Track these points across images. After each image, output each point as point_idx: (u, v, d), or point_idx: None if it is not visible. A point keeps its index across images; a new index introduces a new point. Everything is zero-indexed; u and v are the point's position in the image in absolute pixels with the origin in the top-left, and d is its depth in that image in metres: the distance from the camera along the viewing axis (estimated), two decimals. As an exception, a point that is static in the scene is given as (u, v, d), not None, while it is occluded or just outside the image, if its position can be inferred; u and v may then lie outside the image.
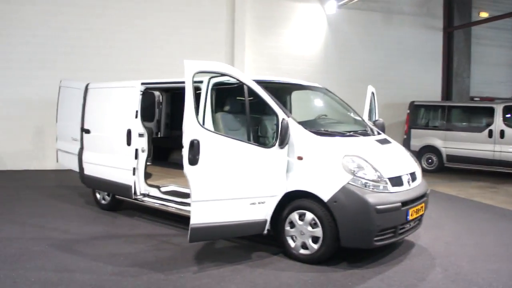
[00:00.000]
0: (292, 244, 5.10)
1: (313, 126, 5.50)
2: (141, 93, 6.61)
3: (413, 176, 5.46)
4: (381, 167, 5.00)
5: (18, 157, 11.52)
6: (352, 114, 6.53)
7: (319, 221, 4.85)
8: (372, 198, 4.69)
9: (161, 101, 9.08)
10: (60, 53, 11.53)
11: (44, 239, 5.82)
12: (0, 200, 8.13)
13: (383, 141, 5.76)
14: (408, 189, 5.19)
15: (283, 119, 4.89)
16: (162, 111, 9.14)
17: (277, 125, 4.95)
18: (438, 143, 12.51)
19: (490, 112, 11.68)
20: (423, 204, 5.40)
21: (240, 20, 12.67)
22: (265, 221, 5.04)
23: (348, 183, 4.75)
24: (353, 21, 14.03)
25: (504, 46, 16.65)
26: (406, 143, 13.09)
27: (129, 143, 6.51)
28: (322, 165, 4.91)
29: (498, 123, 11.47)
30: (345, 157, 4.87)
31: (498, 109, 11.55)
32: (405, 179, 5.22)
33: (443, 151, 12.42)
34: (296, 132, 5.06)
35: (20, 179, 10.37)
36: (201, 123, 5.24)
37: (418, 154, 12.86)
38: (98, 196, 7.50)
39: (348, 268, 4.89)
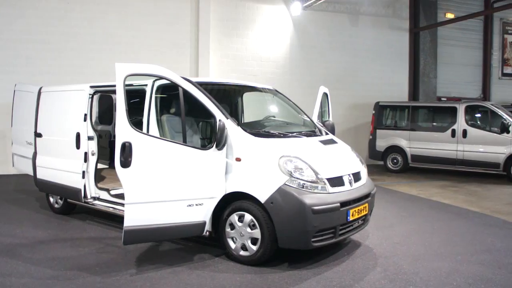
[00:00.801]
0: (232, 245, 5.10)
1: (255, 127, 5.53)
2: (90, 96, 6.57)
3: (356, 176, 5.47)
4: (320, 167, 5.02)
5: (-21, 162, 11.38)
6: (300, 115, 6.57)
7: (257, 222, 4.85)
8: (308, 198, 4.71)
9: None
10: (21, 56, 11.40)
11: (-14, 244, 5.77)
12: None
13: (328, 142, 5.78)
14: (350, 190, 5.21)
15: (219, 120, 4.89)
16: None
17: (214, 126, 4.96)
18: (403, 143, 12.65)
19: (453, 112, 11.86)
20: (366, 205, 5.42)
21: (204, 22, 12.67)
22: (204, 223, 5.02)
23: (284, 184, 4.76)
24: (319, 22, 14.10)
25: (471, 47, 16.88)
26: (372, 144, 13.25)
27: (78, 147, 6.47)
28: (259, 166, 4.92)
29: (460, 122, 11.66)
30: (281, 158, 4.88)
31: (461, 109, 11.73)
32: (346, 179, 5.23)
33: (407, 151, 12.56)
34: (235, 133, 5.06)
35: (-20, 184, 10.25)
36: (147, 126, 5.25)
37: (384, 155, 13.03)
38: (51, 200, 7.44)
39: (288, 269, 4.90)
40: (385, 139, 13.02)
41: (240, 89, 7.10)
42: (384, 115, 13.33)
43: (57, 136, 6.89)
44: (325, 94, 7.63)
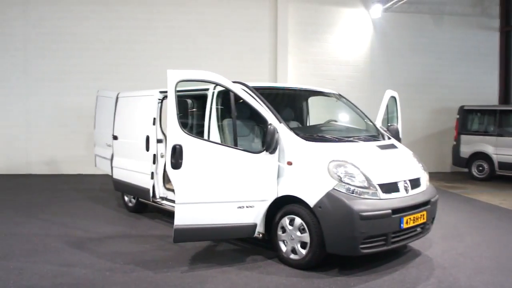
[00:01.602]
0: (283, 248, 5.12)
1: (310, 131, 5.54)
2: (160, 101, 6.94)
3: (413, 183, 5.26)
4: (372, 173, 4.90)
5: (72, 162, 12.42)
6: (363, 119, 6.45)
7: (307, 226, 4.84)
8: (356, 204, 4.60)
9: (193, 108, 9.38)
10: (109, 64, 12.30)
11: (64, 236, 6.30)
12: (42, 200, 8.88)
13: (386, 147, 5.61)
14: (405, 196, 5.02)
15: (270, 124, 4.95)
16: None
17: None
18: (489, 149, 11.84)
19: (545, 116, 10.90)
20: (424, 212, 5.18)
21: (282, 27, 12.77)
22: (255, 225, 5.09)
23: (333, 188, 4.70)
24: (400, 24, 13.63)
25: None
26: (456, 150, 12.57)
27: (147, 149, 6.87)
28: (309, 170, 4.91)
29: (554, 128, 10.68)
30: (331, 162, 4.83)
31: (554, 113, 10.76)
32: (401, 185, 5.05)
33: (494, 158, 11.73)
34: (287, 137, 5.10)
35: (71, 182, 11.19)
36: (207, 131, 5.44)
37: (468, 161, 12.29)
38: (126, 199, 7.92)
39: (336, 275, 4.83)
40: (470, 145, 12.27)
41: (305, 94, 7.14)
42: (469, 119, 12.57)
43: (130, 138, 7.35)
44: (393, 98, 7.41)
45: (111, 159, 7.92)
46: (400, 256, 5.52)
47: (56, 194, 9.57)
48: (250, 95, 5.45)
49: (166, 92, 6.92)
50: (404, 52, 13.67)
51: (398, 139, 6.41)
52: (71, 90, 12.34)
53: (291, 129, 5.20)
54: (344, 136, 5.63)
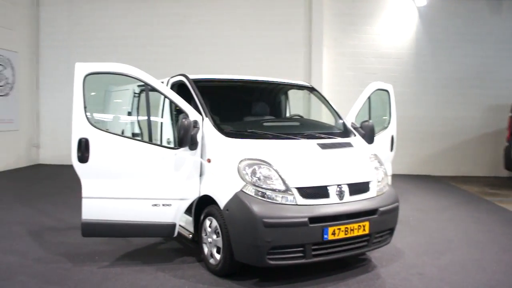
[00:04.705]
0: (205, 251, 4.81)
1: (240, 127, 5.17)
2: (137, 94, 6.90)
3: (355, 187, 4.62)
4: (293, 175, 4.39)
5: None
6: (331, 114, 5.91)
7: (220, 230, 4.49)
8: (262, 209, 4.13)
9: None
10: (149, 60, 12.43)
11: (33, 224, 6.55)
12: (51, 191, 9.29)
13: (332, 146, 4.97)
14: (335, 203, 4.42)
15: (183, 118, 4.66)
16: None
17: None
18: (545, 153, 10.30)
19: None
20: (366, 223, 4.49)
21: (317, 19, 12.15)
22: (174, 225, 4.81)
23: (241, 190, 4.29)
24: (449, 12, 12.26)
25: None
26: (508, 152, 11.07)
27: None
28: (222, 169, 4.58)
29: None
30: (242, 161, 4.41)
31: None
32: (332, 190, 4.45)
33: (550, 162, 10.18)
34: (209, 132, 4.79)
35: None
36: (160, 125, 5.29)
37: (520, 166, 10.80)
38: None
39: (251, 286, 4.42)
40: (524, 147, 10.76)
41: (277, 87, 6.67)
42: (523, 118, 11.03)
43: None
44: (387, 92, 6.73)
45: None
46: (346, 270, 4.88)
47: (55, 184, 10.11)
48: (189, 88, 5.25)
49: (143, 86, 6.89)
50: (453, 43, 12.29)
51: (371, 138, 5.74)
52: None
53: (215, 123, 4.85)
54: (281, 132, 5.11)
